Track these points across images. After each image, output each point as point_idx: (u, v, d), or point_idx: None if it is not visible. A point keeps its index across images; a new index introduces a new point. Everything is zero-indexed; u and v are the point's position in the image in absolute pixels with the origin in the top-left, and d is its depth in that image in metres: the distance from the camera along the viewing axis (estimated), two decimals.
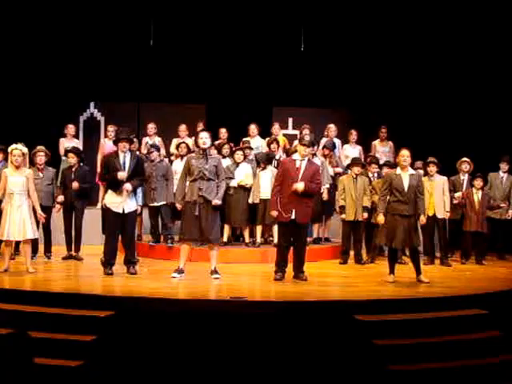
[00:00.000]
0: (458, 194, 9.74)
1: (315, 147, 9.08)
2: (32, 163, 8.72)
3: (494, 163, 10.32)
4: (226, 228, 9.58)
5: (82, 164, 9.24)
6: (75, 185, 8.94)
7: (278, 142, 10.29)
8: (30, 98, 11.80)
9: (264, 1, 11.86)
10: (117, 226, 7.76)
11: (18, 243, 8.43)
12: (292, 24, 11.85)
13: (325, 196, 9.68)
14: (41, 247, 9.15)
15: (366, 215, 9.19)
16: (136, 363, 5.60)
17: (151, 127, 11.25)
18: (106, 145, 11.11)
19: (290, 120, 12.79)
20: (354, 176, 9.28)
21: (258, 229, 9.62)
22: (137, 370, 5.56)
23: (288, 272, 7.71)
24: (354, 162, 9.52)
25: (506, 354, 5.89)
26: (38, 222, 8.23)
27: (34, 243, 8.57)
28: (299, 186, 7.51)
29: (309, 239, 9.01)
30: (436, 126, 11.70)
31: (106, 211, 7.98)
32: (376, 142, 11.48)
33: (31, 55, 11.78)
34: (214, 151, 9.31)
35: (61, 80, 11.95)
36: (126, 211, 7.73)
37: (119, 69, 11.99)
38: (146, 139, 11.25)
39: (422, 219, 7.76)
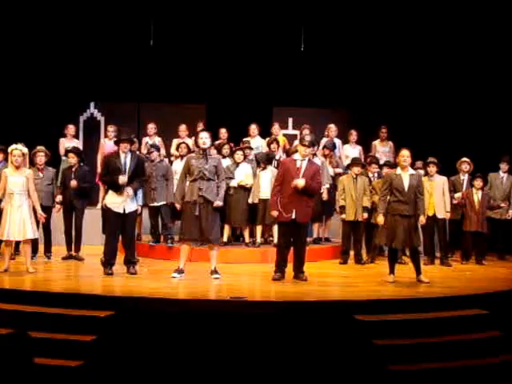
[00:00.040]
0: (457, 195, 9.74)
1: (315, 147, 9.08)
2: (32, 163, 8.72)
3: (494, 163, 10.32)
4: (226, 228, 9.58)
5: (82, 164, 9.24)
6: (73, 183, 8.94)
7: (277, 142, 10.29)
8: (30, 98, 11.80)
9: (264, 1, 11.86)
10: (117, 226, 7.77)
11: (18, 243, 8.43)
12: (292, 24, 11.85)
13: (325, 196, 9.68)
14: (41, 247, 9.15)
15: (365, 215, 9.19)
16: (136, 363, 5.60)
17: (151, 127, 11.25)
18: (106, 145, 11.10)
19: (290, 120, 12.79)
20: (354, 176, 9.28)
21: (258, 229, 9.62)
22: (137, 370, 5.56)
23: (288, 272, 7.71)
24: (354, 162, 9.52)
25: (506, 354, 5.90)
26: (38, 222, 8.23)
27: (34, 243, 8.57)
28: (300, 182, 7.50)
29: (309, 239, 9.01)
30: (436, 126, 11.70)
31: (106, 211, 7.98)
32: (376, 142, 11.48)
33: (31, 55, 11.78)
34: (213, 151, 9.32)
35: (61, 80, 11.95)
36: (126, 211, 7.74)
37: (119, 69, 11.98)
38: (145, 139, 11.25)
39: (422, 219, 7.76)
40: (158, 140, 11.13)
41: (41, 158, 8.95)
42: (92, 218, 10.05)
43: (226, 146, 9.94)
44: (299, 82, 12.16)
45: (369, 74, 12.19)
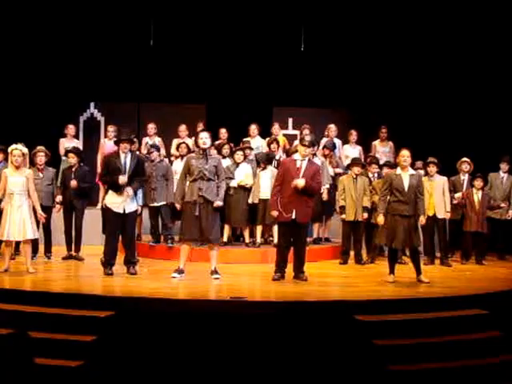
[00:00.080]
0: (457, 195, 9.73)
1: (315, 147, 9.08)
2: (32, 163, 8.72)
3: (494, 163, 10.31)
4: (226, 228, 9.58)
5: (82, 164, 9.25)
6: (73, 183, 8.95)
7: (277, 142, 10.29)
8: (30, 98, 11.80)
9: (264, 1, 11.86)
10: (117, 226, 7.77)
11: (18, 243, 8.43)
12: (292, 24, 11.85)
13: (324, 196, 9.68)
14: (41, 247, 9.15)
15: (365, 215, 9.19)
16: (136, 363, 5.60)
17: (151, 127, 11.25)
18: (106, 145, 11.11)
19: (290, 120, 12.79)
20: (354, 176, 9.27)
21: (258, 229, 9.62)
22: (137, 370, 5.56)
23: (288, 272, 7.71)
24: (354, 162, 9.51)
25: (506, 354, 5.90)
26: (38, 222, 8.23)
27: (34, 243, 8.57)
28: (300, 182, 7.50)
29: (309, 239, 9.01)
30: (436, 126, 11.70)
31: (106, 211, 7.98)
32: (376, 142, 11.47)
33: (31, 56, 11.78)
34: (213, 151, 9.31)
35: (61, 80, 11.95)
36: (126, 211, 7.75)
37: (119, 69, 11.98)
38: (145, 139, 11.25)
39: (422, 220, 7.75)
40: (158, 140, 11.13)
41: (41, 158, 8.95)
42: (92, 218, 10.05)
43: (226, 146, 9.94)
44: (299, 81, 12.16)
45: (369, 74, 12.19)
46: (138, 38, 11.68)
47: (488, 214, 9.86)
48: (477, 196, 9.60)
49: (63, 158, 10.44)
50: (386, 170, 9.27)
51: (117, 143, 7.94)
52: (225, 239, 9.47)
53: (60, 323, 5.94)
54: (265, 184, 9.40)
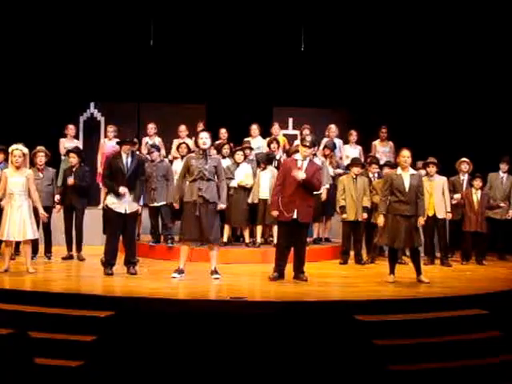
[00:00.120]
0: (457, 196, 9.70)
1: (316, 148, 9.08)
2: (32, 163, 8.73)
3: (494, 163, 10.31)
4: (226, 228, 9.58)
5: (82, 164, 9.25)
6: (70, 180, 8.97)
7: (277, 142, 10.30)
8: (30, 98, 11.80)
9: (264, 1, 11.86)
10: (118, 226, 7.79)
11: (18, 243, 8.43)
12: (292, 24, 11.85)
13: (323, 196, 9.67)
14: (41, 247, 9.15)
15: (365, 215, 9.19)
16: (136, 363, 5.60)
17: (151, 127, 11.25)
18: (106, 145, 11.11)
19: (290, 120, 12.79)
20: (354, 176, 9.27)
21: (258, 229, 9.62)
22: (137, 370, 5.56)
23: (288, 272, 7.71)
24: (354, 162, 9.51)
25: (506, 354, 5.90)
26: (38, 223, 8.24)
27: (34, 243, 8.57)
28: (300, 174, 7.50)
29: (309, 239, 9.01)
30: (436, 126, 11.70)
31: (107, 211, 7.99)
32: (376, 142, 11.47)
33: (31, 56, 11.78)
34: (213, 151, 9.31)
35: (61, 80, 11.95)
36: (127, 211, 7.77)
37: (119, 69, 11.98)
38: (145, 139, 11.25)
39: (421, 221, 7.73)
40: (158, 140, 11.13)
41: (41, 158, 8.95)
42: (92, 218, 10.06)
43: (226, 146, 9.94)
44: (299, 82, 12.16)
45: (369, 74, 12.19)
46: (138, 37, 11.68)
47: (488, 214, 9.86)
48: (476, 196, 9.60)
49: (63, 157, 10.44)
50: (386, 170, 9.26)
51: (119, 144, 8.00)
52: (225, 239, 9.47)
53: (60, 323, 5.94)
54: (265, 184, 9.41)
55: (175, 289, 7.24)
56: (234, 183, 9.44)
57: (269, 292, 7.19)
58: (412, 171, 7.77)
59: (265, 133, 10.97)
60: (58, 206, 9.12)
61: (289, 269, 7.73)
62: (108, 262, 7.78)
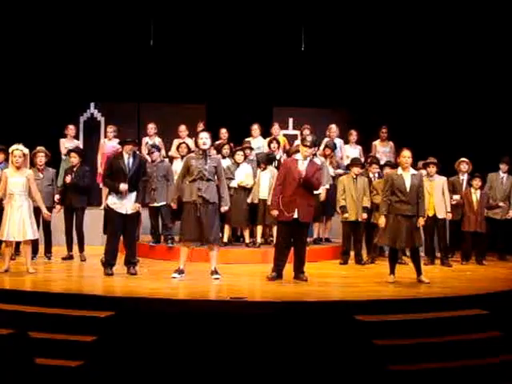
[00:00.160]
0: (456, 197, 9.68)
1: (316, 148, 9.07)
2: (32, 164, 8.73)
3: (494, 163, 10.30)
4: (226, 228, 9.57)
5: (83, 164, 9.25)
6: (68, 179, 8.97)
7: (277, 142, 10.30)
8: (30, 98, 11.80)
9: (264, 1, 11.86)
10: (119, 227, 7.80)
11: (18, 244, 8.43)
12: (292, 24, 11.84)
13: (323, 196, 9.67)
14: (41, 248, 9.15)
15: (365, 216, 9.18)
16: (136, 363, 5.60)
17: (151, 127, 11.25)
18: (106, 145, 11.12)
19: (291, 120, 12.78)
20: (354, 176, 9.27)
21: (259, 229, 9.61)
22: (137, 370, 5.56)
23: (288, 272, 7.71)
24: (354, 162, 9.51)
25: (506, 354, 5.90)
26: (38, 223, 8.24)
27: (35, 244, 8.57)
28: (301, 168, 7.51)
29: (309, 239, 9.00)
30: (436, 127, 11.69)
31: (108, 211, 7.99)
32: (376, 143, 11.47)
33: (31, 56, 11.78)
34: (213, 151, 9.31)
35: (61, 80, 11.95)
36: (128, 212, 7.77)
37: (119, 69, 11.98)
38: (146, 139, 11.25)
39: (420, 221, 7.71)
40: (158, 140, 11.13)
41: (41, 158, 8.95)
42: (93, 219, 10.06)
43: (226, 147, 9.94)
44: (299, 82, 12.16)
45: (369, 74, 12.19)
46: (138, 37, 11.68)
47: (488, 214, 9.86)
48: (475, 196, 9.60)
49: (64, 157, 10.44)
50: (387, 170, 9.25)
51: (121, 144, 8.02)
52: (225, 239, 9.47)
53: (60, 323, 5.94)
54: (265, 184, 9.41)
55: (175, 289, 7.24)
56: (234, 183, 9.44)
57: (269, 292, 7.17)
58: (413, 171, 7.77)
59: (265, 133, 10.97)
60: (58, 206, 9.12)
61: (288, 269, 7.73)
62: (108, 262, 7.78)
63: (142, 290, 6.86)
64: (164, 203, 9.53)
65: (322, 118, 11.95)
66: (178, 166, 9.72)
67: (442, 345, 5.92)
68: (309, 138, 7.75)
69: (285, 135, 11.74)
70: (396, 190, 7.62)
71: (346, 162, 10.38)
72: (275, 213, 7.67)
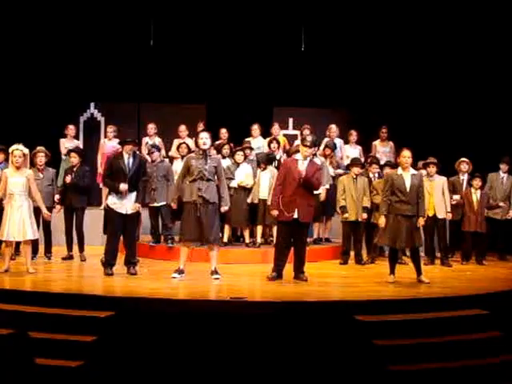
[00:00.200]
0: (456, 197, 9.68)
1: (316, 148, 9.07)
2: (32, 164, 8.73)
3: (494, 163, 10.30)
4: (226, 228, 9.57)
5: (83, 164, 9.26)
6: (67, 178, 8.98)
7: (277, 141, 10.30)
8: (30, 98, 11.80)
9: (264, 1, 11.86)
10: (119, 227, 7.80)
11: (18, 244, 8.43)
12: (292, 24, 11.84)
13: (322, 196, 9.66)
14: (41, 248, 9.15)
15: (365, 215, 9.18)
16: (136, 363, 5.60)
17: (151, 127, 11.25)
18: (106, 145, 11.12)
19: (291, 120, 12.78)
20: (354, 176, 9.27)
21: (259, 229, 9.61)
22: (137, 370, 5.56)
23: (288, 272, 7.71)
24: (354, 162, 9.51)
25: (506, 354, 5.90)
26: (38, 223, 8.24)
27: (34, 244, 8.57)
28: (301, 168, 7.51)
29: (309, 239, 9.00)
30: (436, 127, 11.70)
31: (108, 211, 8.00)
32: (376, 143, 11.47)
33: (31, 56, 11.78)
34: (213, 151, 9.31)
35: (61, 81, 11.95)
36: (128, 212, 7.77)
37: (119, 69, 11.98)
38: (146, 139, 11.25)
39: (420, 222, 7.71)
40: (158, 140, 11.13)
41: (41, 158, 8.95)
42: (93, 219, 10.06)
43: (226, 147, 9.94)
44: (299, 82, 12.16)
45: (369, 74, 12.19)
46: (138, 37, 11.68)
47: (488, 214, 9.86)
48: (475, 196, 9.59)
49: (64, 157, 10.43)
50: (387, 170, 9.25)
51: (122, 144, 8.02)
52: (225, 239, 9.46)
53: (60, 323, 5.94)
54: (265, 184, 9.41)
55: (175, 289, 7.24)
56: (234, 183, 9.44)
57: (269, 292, 7.17)
58: (413, 171, 7.77)
59: (265, 133, 10.97)
60: (58, 206, 9.12)
61: (288, 269, 7.73)
62: (108, 262, 7.78)
63: (142, 289, 6.86)
64: (164, 203, 9.53)
65: (322, 118, 11.95)
66: (178, 166, 9.73)
67: (442, 345, 5.92)
68: (309, 138, 7.75)
69: (285, 135, 11.74)
70: (396, 190, 7.62)
71: (346, 162, 10.39)
72: (275, 213, 7.67)
